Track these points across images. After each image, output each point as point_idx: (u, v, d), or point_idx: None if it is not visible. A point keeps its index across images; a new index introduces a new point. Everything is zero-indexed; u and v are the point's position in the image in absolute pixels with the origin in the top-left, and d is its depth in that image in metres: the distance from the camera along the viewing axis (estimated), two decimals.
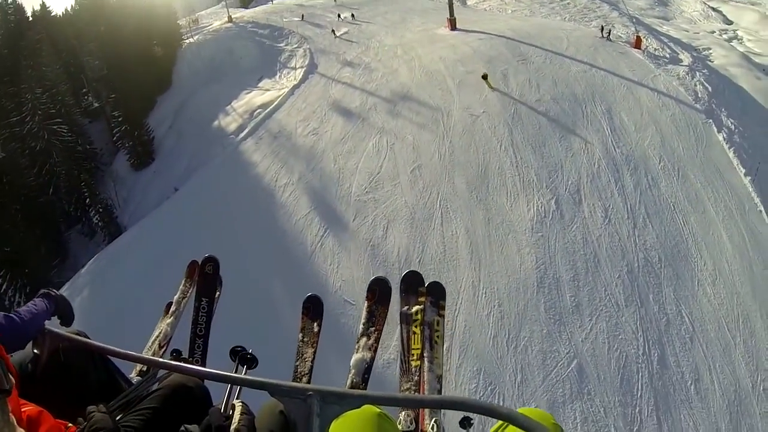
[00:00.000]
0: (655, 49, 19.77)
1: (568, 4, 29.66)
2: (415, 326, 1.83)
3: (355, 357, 1.79)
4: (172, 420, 1.18)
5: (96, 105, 30.19)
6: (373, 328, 1.88)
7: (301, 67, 23.86)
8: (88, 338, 1.50)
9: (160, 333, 2.19)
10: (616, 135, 13.66)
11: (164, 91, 29.22)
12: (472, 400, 0.91)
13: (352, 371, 1.76)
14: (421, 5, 31.76)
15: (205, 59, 29.57)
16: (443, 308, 1.91)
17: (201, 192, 16.10)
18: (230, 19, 35.78)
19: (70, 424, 1.13)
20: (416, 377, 1.76)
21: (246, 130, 18.90)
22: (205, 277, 2.25)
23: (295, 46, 27.79)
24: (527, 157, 12.71)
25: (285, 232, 12.37)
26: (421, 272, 1.98)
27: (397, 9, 30.98)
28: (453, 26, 24.07)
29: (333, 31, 28.41)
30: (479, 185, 11.91)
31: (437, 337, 1.82)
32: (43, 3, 36.84)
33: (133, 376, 1.82)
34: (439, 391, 1.74)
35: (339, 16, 30.52)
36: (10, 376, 0.87)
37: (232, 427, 1.13)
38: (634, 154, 12.82)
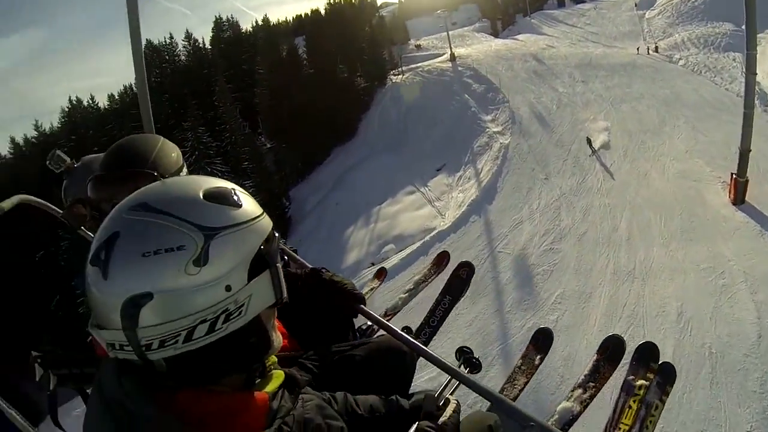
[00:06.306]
0: None
1: None
2: (633, 400, 1.72)
3: (564, 404, 1.73)
4: (373, 376, 1.20)
5: (268, 146, 25.76)
6: (593, 384, 1.79)
7: (477, 184, 15.84)
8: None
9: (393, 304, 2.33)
10: None
11: (345, 142, 23.73)
12: None
13: (555, 416, 1.70)
14: (698, 94, 20.32)
15: (401, 110, 24.53)
16: (667, 395, 1.76)
17: None
18: (453, 57, 31.76)
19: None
20: None
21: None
22: (457, 279, 2.30)
23: (498, 129, 20.39)
24: None
25: None
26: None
27: (654, 99, 20.75)
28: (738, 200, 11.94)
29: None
30: None
31: (650, 422, 1.66)
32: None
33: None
34: None
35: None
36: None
37: (441, 419, 1.07)
38: None
